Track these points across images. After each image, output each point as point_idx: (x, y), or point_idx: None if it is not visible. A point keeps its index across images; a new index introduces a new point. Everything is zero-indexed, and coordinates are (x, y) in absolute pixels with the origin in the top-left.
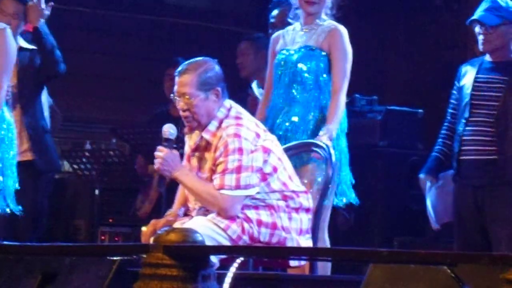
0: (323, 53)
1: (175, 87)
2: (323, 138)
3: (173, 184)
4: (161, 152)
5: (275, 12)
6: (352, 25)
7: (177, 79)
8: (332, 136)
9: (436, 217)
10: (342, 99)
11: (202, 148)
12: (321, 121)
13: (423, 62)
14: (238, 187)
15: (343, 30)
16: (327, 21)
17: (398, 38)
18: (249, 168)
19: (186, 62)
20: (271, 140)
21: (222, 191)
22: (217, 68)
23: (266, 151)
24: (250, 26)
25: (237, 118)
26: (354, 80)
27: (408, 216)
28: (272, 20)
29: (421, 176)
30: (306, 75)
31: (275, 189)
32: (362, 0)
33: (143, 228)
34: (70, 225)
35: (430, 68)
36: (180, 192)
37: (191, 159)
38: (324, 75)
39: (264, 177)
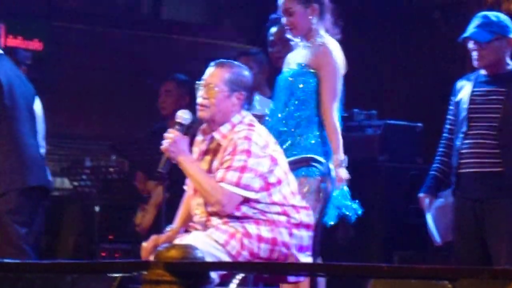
0: (311, 71)
1: (205, 76)
2: (341, 173)
3: (173, 201)
4: (171, 134)
5: (273, 30)
6: (350, 40)
7: (210, 69)
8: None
9: (439, 235)
10: (335, 119)
11: (212, 151)
12: (319, 137)
13: (422, 76)
14: (238, 184)
15: (333, 47)
16: (321, 38)
17: (396, 52)
18: (253, 171)
19: (225, 60)
20: (280, 153)
21: (222, 184)
22: (249, 77)
23: (274, 160)
24: (246, 41)
25: (250, 125)
26: (352, 94)
27: (408, 231)
28: (271, 38)
29: (421, 195)
30: (296, 93)
31: (275, 201)
32: (360, 14)
33: (144, 244)
34: (70, 242)
35: (429, 82)
36: (182, 209)
37: (200, 163)
38: (314, 93)
39: (268, 187)
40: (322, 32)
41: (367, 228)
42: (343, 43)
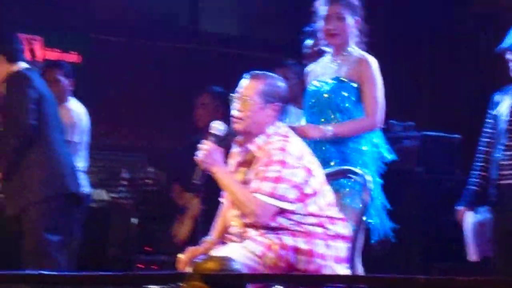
0: (354, 85)
1: (239, 88)
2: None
3: (209, 213)
4: (206, 145)
5: (309, 43)
6: (387, 51)
7: (244, 81)
8: (322, 134)
9: (476, 250)
10: (368, 123)
11: (247, 162)
12: (357, 152)
13: (460, 87)
14: (272, 195)
15: (372, 60)
16: (356, 51)
17: (434, 63)
18: (287, 181)
19: (259, 71)
20: (315, 164)
21: (256, 195)
22: (284, 87)
23: (309, 171)
24: (283, 53)
25: (285, 136)
26: (390, 106)
27: (446, 242)
28: (306, 51)
29: (459, 208)
30: (336, 107)
31: (311, 212)
32: (396, 26)
33: (180, 256)
34: (107, 254)
35: (467, 93)
36: (219, 221)
37: (236, 175)
38: (355, 106)
39: (303, 198)
40: (354, 45)
41: (405, 239)
42: (382, 54)
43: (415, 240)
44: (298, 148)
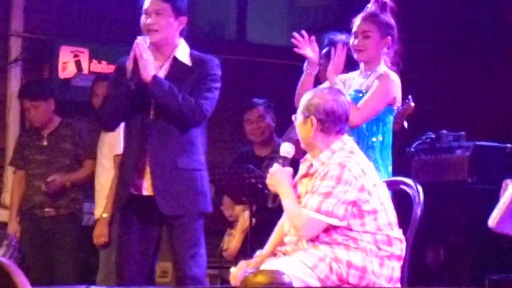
0: None
1: (299, 108)
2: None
3: (260, 226)
4: (273, 168)
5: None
6: (438, 60)
7: (303, 100)
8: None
9: (501, 221)
10: (358, 122)
11: (311, 175)
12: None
13: (511, 96)
14: (318, 210)
15: (394, 78)
16: (382, 68)
17: (484, 72)
18: (337, 197)
19: (319, 88)
20: (377, 183)
21: (302, 209)
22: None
23: (364, 190)
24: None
25: (351, 152)
26: (440, 115)
27: (499, 254)
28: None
29: (506, 180)
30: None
31: (368, 230)
32: (447, 35)
33: (233, 270)
34: (157, 268)
35: None
36: (275, 233)
37: (298, 185)
38: (372, 125)
39: (361, 215)
40: (383, 64)
41: (457, 251)
42: (432, 63)
43: (467, 251)
44: (359, 166)
